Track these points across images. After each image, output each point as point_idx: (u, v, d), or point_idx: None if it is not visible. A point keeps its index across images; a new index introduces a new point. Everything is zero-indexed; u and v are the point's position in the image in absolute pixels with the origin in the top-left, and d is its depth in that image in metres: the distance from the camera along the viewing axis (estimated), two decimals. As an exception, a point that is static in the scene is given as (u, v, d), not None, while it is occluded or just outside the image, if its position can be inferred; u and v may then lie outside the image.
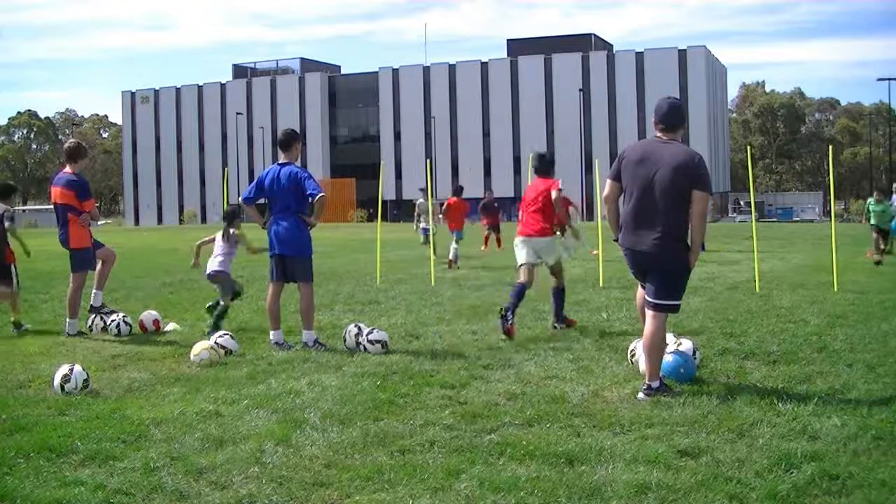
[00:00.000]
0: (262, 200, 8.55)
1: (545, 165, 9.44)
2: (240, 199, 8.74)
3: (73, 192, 9.23)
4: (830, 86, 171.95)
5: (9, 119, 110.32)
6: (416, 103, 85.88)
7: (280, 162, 8.41)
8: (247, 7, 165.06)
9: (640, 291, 6.57)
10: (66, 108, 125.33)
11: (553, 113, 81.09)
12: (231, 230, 9.53)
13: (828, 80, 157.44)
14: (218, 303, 9.38)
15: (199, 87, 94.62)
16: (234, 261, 9.64)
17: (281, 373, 6.97)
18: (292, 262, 8.29)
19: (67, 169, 9.41)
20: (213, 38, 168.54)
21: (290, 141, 8.49)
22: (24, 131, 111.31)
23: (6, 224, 9.66)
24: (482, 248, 23.33)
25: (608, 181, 6.43)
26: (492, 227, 24.60)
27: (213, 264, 9.49)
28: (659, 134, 6.30)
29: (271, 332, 8.33)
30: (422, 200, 19.84)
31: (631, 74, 79.62)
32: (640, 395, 6.02)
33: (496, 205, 25.26)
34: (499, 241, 24.59)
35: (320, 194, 8.12)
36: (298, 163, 8.56)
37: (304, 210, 8.28)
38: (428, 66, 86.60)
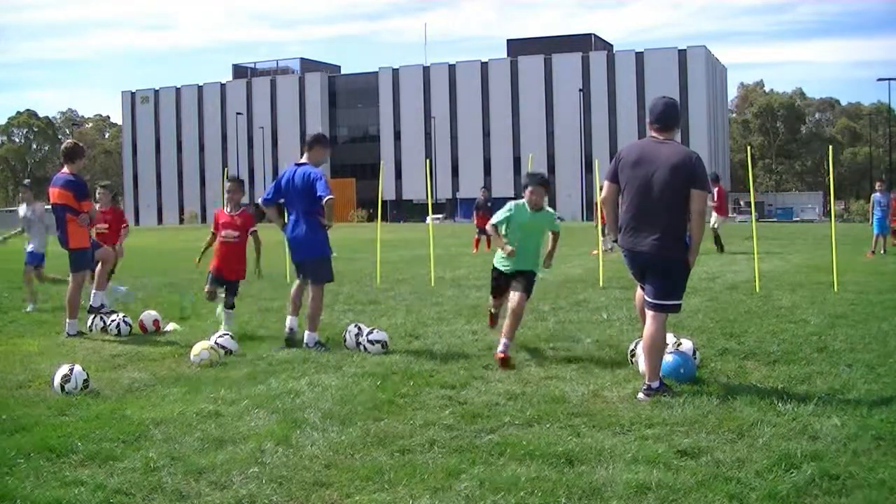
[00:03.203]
0: (281, 201, 8.53)
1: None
2: (259, 200, 8.74)
3: (71, 193, 9.21)
4: (830, 86, 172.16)
5: (9, 119, 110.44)
6: (416, 103, 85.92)
7: (298, 162, 8.38)
8: (247, 7, 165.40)
9: (639, 292, 6.56)
10: (67, 108, 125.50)
11: (553, 113, 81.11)
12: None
13: (828, 80, 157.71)
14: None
15: (199, 87, 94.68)
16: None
17: (281, 373, 6.97)
18: (310, 264, 8.30)
19: (65, 169, 9.39)
20: (213, 38, 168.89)
21: (313, 143, 8.43)
22: (24, 131, 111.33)
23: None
24: (472, 250, 23.02)
25: (605, 183, 6.43)
26: (482, 228, 24.03)
27: None
28: (654, 134, 6.29)
29: (288, 318, 8.35)
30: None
31: (631, 74, 79.66)
32: (640, 395, 6.02)
33: (489, 205, 24.73)
34: (488, 242, 24.13)
35: (328, 197, 8.08)
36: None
37: (317, 211, 8.24)
38: (428, 66, 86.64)
